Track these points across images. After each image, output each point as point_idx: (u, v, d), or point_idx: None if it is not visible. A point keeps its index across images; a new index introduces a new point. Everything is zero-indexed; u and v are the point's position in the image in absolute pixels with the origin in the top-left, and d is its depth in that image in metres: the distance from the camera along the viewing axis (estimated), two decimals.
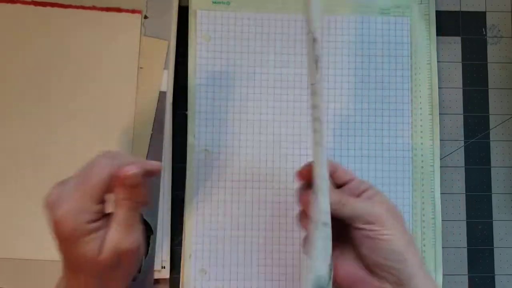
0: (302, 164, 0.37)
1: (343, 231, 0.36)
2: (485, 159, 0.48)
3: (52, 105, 0.46)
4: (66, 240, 0.31)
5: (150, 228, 0.44)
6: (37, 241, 0.45)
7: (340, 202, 0.36)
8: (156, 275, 0.44)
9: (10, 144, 0.45)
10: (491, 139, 0.48)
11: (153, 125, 0.46)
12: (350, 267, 0.37)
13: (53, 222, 0.31)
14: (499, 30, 0.49)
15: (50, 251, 0.44)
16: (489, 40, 0.48)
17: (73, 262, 0.32)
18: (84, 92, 0.46)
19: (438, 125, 0.47)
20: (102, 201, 0.32)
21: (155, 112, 0.46)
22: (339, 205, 0.36)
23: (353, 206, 0.36)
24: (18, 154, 0.45)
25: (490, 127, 0.48)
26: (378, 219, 0.35)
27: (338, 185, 0.38)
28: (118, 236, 0.32)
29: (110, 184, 0.32)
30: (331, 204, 0.35)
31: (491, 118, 0.48)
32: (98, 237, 0.32)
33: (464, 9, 0.49)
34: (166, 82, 0.46)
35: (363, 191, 0.37)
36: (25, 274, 0.44)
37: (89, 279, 0.32)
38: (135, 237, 0.33)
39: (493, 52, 0.48)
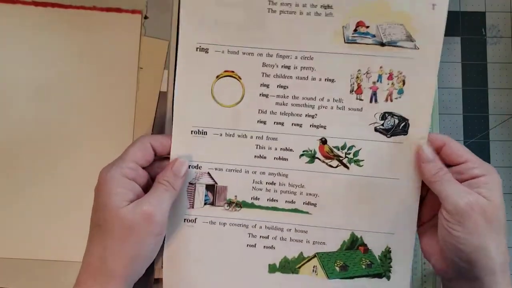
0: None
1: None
2: (485, 159, 0.48)
3: (52, 105, 0.46)
4: (100, 189, 0.36)
5: None
6: (38, 241, 0.45)
7: (433, 176, 0.36)
8: (156, 275, 0.44)
9: (8, 144, 0.45)
10: (491, 139, 0.48)
11: (153, 125, 0.46)
12: (432, 238, 0.37)
13: (98, 178, 0.37)
14: (498, 30, 0.49)
15: (52, 251, 0.44)
16: (488, 40, 0.48)
17: (98, 215, 0.36)
18: (84, 92, 0.46)
19: (438, 125, 0.47)
20: (139, 165, 0.38)
21: (155, 112, 0.46)
22: (431, 179, 0.36)
23: (442, 187, 0.35)
24: (17, 153, 0.45)
25: (490, 127, 0.48)
26: (457, 212, 0.34)
27: (448, 165, 0.38)
28: (144, 198, 0.36)
29: (148, 156, 0.38)
30: (424, 174, 0.37)
31: (491, 118, 0.48)
32: (126, 194, 0.36)
33: (463, 9, 0.49)
34: (166, 82, 0.46)
35: (474, 177, 0.36)
36: (26, 274, 0.44)
37: (104, 239, 0.35)
38: (160, 207, 0.36)
39: (492, 52, 0.48)
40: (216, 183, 0.41)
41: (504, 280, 0.34)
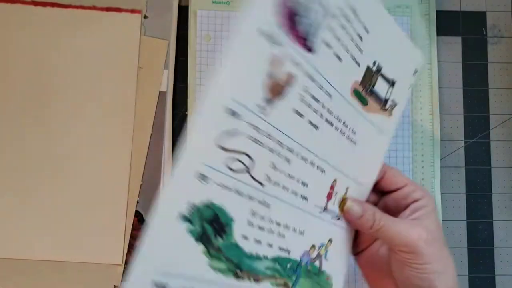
0: None
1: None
2: (485, 159, 0.48)
3: (52, 105, 0.45)
4: None
5: (142, 217, 0.45)
6: (37, 241, 0.45)
7: (372, 227, 0.34)
8: None
9: (9, 144, 0.45)
10: (491, 139, 0.48)
11: (153, 125, 0.46)
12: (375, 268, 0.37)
13: None
14: (499, 30, 0.49)
15: (49, 251, 0.44)
16: (489, 40, 0.48)
17: None
18: (84, 92, 0.46)
19: (438, 125, 0.47)
20: None
21: (155, 112, 0.46)
22: (371, 232, 0.34)
23: (384, 233, 0.34)
24: (18, 153, 0.45)
25: (490, 127, 0.48)
26: (415, 249, 0.33)
27: (387, 191, 0.37)
28: None
29: None
30: (363, 229, 0.35)
31: (491, 118, 0.48)
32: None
33: (464, 9, 0.49)
34: (166, 82, 0.46)
35: (412, 202, 0.36)
36: (24, 274, 0.44)
37: None
38: None
39: (493, 52, 0.48)
40: None
41: None
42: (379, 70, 0.34)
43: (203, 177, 0.25)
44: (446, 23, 0.48)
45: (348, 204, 0.35)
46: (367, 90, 0.34)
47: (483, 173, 0.47)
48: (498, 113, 0.48)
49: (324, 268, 0.34)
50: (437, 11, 0.48)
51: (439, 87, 0.47)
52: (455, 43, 0.48)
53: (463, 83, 0.48)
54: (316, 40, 0.28)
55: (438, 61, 0.48)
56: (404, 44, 0.36)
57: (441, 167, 0.47)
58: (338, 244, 0.36)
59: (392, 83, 0.35)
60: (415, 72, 0.37)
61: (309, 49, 0.28)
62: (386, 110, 0.36)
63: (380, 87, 0.34)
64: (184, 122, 0.46)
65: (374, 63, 0.33)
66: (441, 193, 0.46)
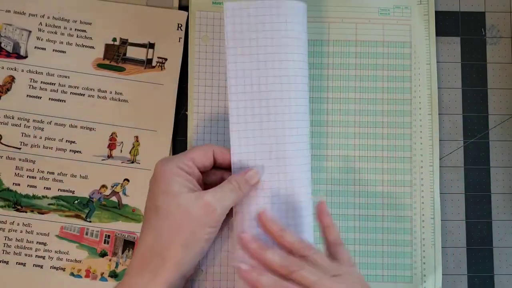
0: None
1: None
2: (484, 159, 0.48)
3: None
4: (158, 178, 0.37)
5: None
6: None
7: None
8: None
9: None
10: (490, 139, 0.48)
11: None
12: None
13: (154, 169, 0.37)
14: (498, 31, 0.49)
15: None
16: (488, 41, 0.49)
17: (156, 201, 0.36)
18: None
19: (438, 125, 0.47)
20: (196, 166, 0.38)
21: None
22: None
23: None
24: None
25: (489, 127, 0.48)
26: None
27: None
28: (209, 190, 0.37)
29: (207, 161, 0.38)
30: None
31: (490, 118, 0.48)
32: (184, 183, 0.36)
33: (463, 9, 0.49)
34: None
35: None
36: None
37: (160, 225, 0.36)
38: (222, 203, 0.37)
39: (492, 52, 0.48)
40: None
41: None
42: (124, 42, 0.43)
43: None
44: (445, 23, 0.49)
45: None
46: (118, 59, 0.43)
47: (482, 173, 0.47)
48: (497, 113, 0.48)
49: (126, 202, 0.43)
50: (436, 12, 0.48)
51: (438, 88, 0.48)
52: (454, 44, 0.48)
53: (462, 83, 0.48)
54: (25, 50, 0.43)
55: (437, 62, 0.48)
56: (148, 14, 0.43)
57: (440, 167, 0.47)
58: (138, 182, 0.43)
59: (149, 46, 0.43)
60: (180, 26, 0.43)
61: (22, 57, 0.42)
62: (154, 67, 0.43)
63: (134, 53, 0.44)
64: (184, 122, 0.46)
65: (114, 39, 0.43)
66: (440, 193, 0.46)
